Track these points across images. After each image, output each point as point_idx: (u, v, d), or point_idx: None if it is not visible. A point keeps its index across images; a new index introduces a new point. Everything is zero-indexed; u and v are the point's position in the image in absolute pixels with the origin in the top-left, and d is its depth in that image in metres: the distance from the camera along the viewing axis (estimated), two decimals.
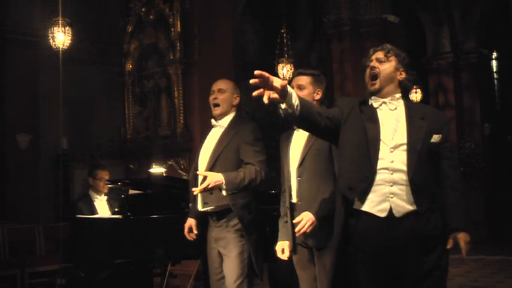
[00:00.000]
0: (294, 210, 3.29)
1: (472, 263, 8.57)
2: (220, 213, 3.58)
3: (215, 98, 3.70)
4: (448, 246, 2.63)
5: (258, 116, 8.25)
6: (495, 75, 14.53)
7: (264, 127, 7.08)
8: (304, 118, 2.59)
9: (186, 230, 3.74)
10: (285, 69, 10.09)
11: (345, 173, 2.73)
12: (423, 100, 11.84)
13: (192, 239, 3.73)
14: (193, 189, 3.43)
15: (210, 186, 3.33)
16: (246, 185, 3.45)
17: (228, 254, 3.54)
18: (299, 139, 3.35)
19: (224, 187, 3.37)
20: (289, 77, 9.45)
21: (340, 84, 10.13)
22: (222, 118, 3.71)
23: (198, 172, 3.53)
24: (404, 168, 2.59)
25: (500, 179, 12.63)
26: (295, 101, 2.51)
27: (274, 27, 11.03)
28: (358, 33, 10.12)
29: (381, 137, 2.65)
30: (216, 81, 3.80)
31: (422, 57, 12.57)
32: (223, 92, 3.70)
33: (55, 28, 7.46)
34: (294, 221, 3.17)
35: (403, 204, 2.58)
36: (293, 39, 11.27)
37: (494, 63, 14.47)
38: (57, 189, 9.19)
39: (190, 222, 3.74)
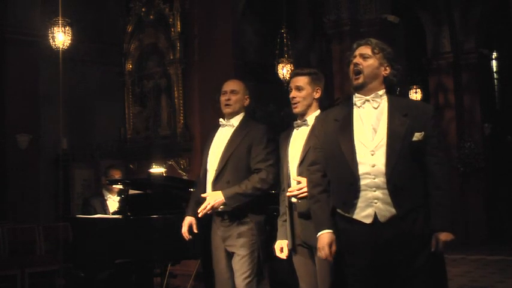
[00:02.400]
0: (293, 209, 3.29)
1: (472, 263, 8.57)
2: (232, 213, 3.56)
3: (228, 99, 3.70)
4: (432, 249, 2.56)
5: (259, 115, 8.25)
6: (495, 75, 14.53)
7: None
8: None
9: (186, 228, 3.67)
10: (285, 69, 10.09)
11: (334, 189, 2.69)
12: (423, 100, 11.84)
13: (187, 239, 3.68)
14: (198, 211, 3.53)
15: (209, 207, 3.48)
16: (250, 195, 3.50)
17: (239, 252, 3.53)
18: (299, 138, 3.34)
19: (226, 203, 3.48)
20: (288, 77, 9.45)
21: (340, 84, 10.12)
22: (233, 117, 3.72)
23: (202, 195, 3.57)
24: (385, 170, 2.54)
25: (500, 179, 12.62)
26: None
27: (274, 27, 11.02)
28: (358, 33, 10.11)
29: (361, 139, 2.60)
30: (227, 81, 3.81)
31: (422, 57, 12.57)
32: (236, 93, 3.71)
33: (55, 28, 7.47)
34: (289, 189, 3.22)
35: (387, 209, 2.53)
36: (293, 39, 11.26)
37: (494, 63, 14.48)
38: (57, 189, 9.19)
39: (191, 220, 3.68)
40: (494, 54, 14.30)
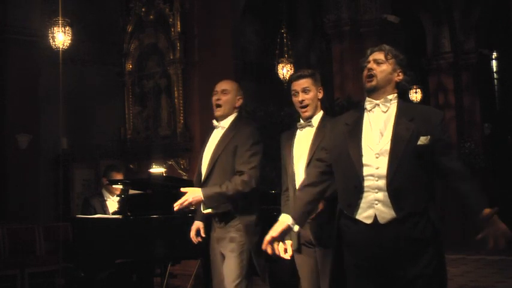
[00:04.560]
0: None
1: (472, 263, 8.57)
2: (223, 215, 3.55)
3: (218, 99, 3.65)
4: (480, 236, 2.62)
5: (259, 115, 8.24)
6: (495, 75, 14.54)
7: (265, 127, 7.07)
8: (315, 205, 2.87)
9: (193, 232, 3.69)
10: (285, 69, 10.09)
11: (340, 191, 2.72)
12: (423, 100, 11.85)
13: (196, 243, 3.69)
14: (175, 204, 3.47)
15: (187, 202, 3.41)
16: (230, 197, 3.45)
17: (228, 253, 3.52)
18: (304, 139, 3.33)
19: (204, 202, 3.43)
20: (289, 78, 9.45)
21: (340, 84, 10.13)
22: (224, 119, 3.67)
23: (182, 189, 3.52)
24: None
25: (500, 179, 12.63)
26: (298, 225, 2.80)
27: (274, 27, 11.04)
28: (358, 33, 10.13)
29: (368, 143, 2.63)
30: (220, 81, 3.76)
31: (422, 57, 12.58)
32: (226, 93, 3.65)
33: (55, 28, 7.47)
34: None
35: (387, 211, 2.56)
36: (293, 39, 11.28)
37: (494, 63, 14.49)
38: (57, 189, 9.19)
39: (198, 224, 3.71)
40: (494, 54, 14.31)
